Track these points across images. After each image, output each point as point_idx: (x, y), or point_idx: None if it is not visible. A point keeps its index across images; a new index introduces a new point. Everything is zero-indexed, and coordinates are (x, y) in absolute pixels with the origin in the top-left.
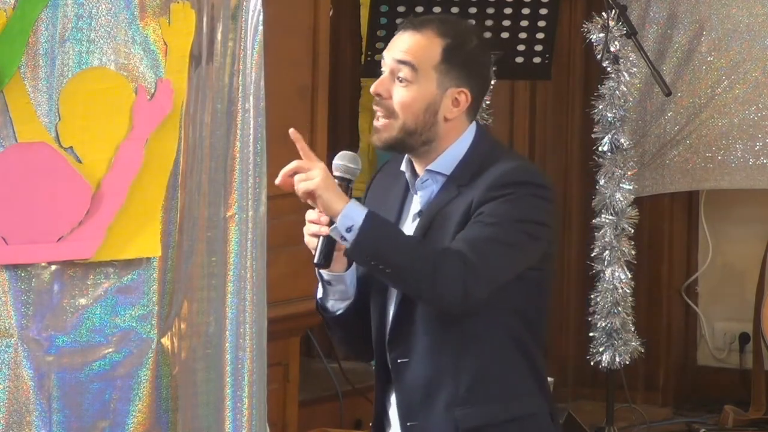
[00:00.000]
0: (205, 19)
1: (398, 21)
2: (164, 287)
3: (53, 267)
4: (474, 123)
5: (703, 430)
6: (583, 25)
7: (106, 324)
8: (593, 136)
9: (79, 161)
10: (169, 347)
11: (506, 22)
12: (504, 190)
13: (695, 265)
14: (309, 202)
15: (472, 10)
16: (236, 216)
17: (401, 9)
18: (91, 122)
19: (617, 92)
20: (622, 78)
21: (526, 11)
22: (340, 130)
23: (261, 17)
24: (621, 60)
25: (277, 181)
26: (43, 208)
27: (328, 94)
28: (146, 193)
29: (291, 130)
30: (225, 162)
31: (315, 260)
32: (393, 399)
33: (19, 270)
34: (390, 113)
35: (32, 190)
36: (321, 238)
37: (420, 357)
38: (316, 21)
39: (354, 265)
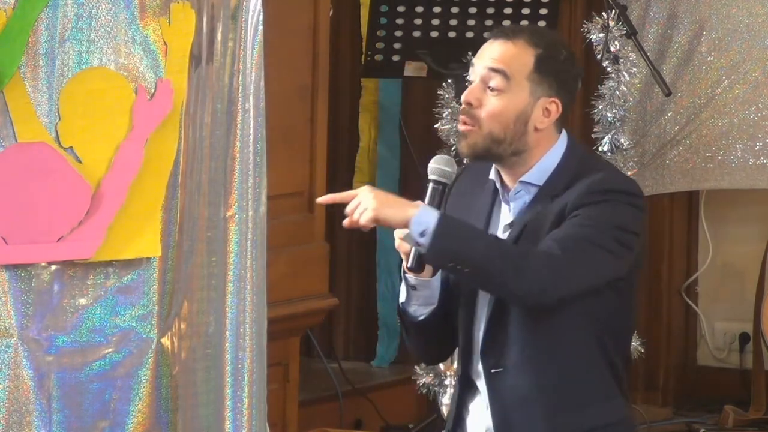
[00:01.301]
0: (205, 19)
1: (398, 21)
2: (164, 287)
3: (53, 267)
4: (564, 133)
5: (703, 430)
6: (583, 25)
7: (106, 324)
8: (593, 136)
9: (79, 161)
10: (169, 347)
11: (506, 23)
12: (602, 195)
13: (695, 265)
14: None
15: (472, 10)
16: (236, 216)
17: (401, 9)
18: (91, 122)
19: (617, 92)
20: (622, 78)
21: (526, 11)
22: (340, 130)
23: (261, 17)
24: (621, 60)
25: (345, 223)
26: (43, 208)
27: (328, 94)
28: (146, 193)
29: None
30: (225, 162)
31: (408, 265)
32: (473, 407)
33: (19, 270)
34: (475, 122)
35: (32, 190)
36: None
37: (515, 366)
38: (316, 21)
39: (440, 271)
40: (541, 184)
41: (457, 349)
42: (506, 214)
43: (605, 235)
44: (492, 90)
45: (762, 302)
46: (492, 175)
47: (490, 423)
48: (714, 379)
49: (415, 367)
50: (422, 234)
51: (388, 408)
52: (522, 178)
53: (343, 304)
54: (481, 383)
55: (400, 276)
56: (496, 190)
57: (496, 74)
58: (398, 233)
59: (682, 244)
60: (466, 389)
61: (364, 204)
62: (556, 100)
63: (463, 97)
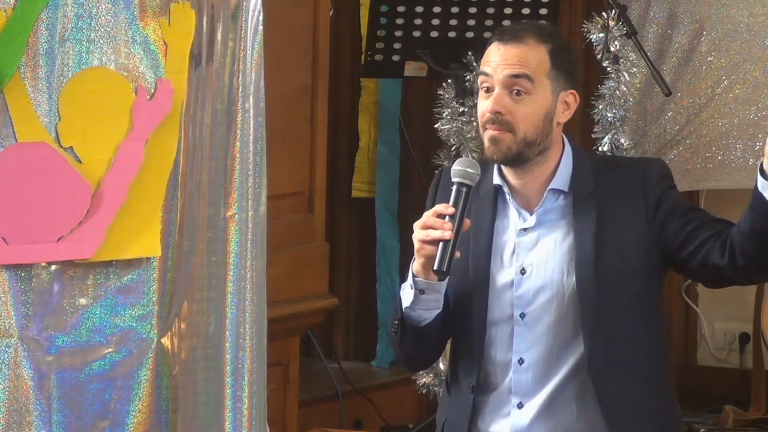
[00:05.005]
0: (205, 19)
1: (398, 21)
2: (164, 287)
3: (53, 267)
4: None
5: (703, 430)
6: (583, 25)
7: (106, 324)
8: (593, 136)
9: (79, 161)
10: (169, 347)
11: (506, 22)
12: (666, 180)
13: None
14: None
15: (472, 10)
16: (236, 216)
17: (401, 9)
18: (91, 122)
19: (617, 92)
20: (622, 78)
21: (526, 11)
22: (340, 130)
23: (261, 17)
24: (621, 60)
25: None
26: (43, 208)
27: (328, 94)
28: (146, 193)
29: None
30: (225, 162)
31: (436, 267)
32: (490, 412)
33: (19, 270)
34: (509, 128)
35: (32, 190)
36: (442, 243)
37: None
38: (316, 21)
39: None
40: (567, 189)
41: (455, 361)
42: (516, 219)
43: None
44: (518, 95)
45: (762, 302)
46: (496, 180)
47: (522, 421)
48: (714, 379)
49: None
50: None
51: (388, 408)
52: (551, 186)
53: (343, 304)
54: (523, 386)
55: (401, 280)
56: (496, 194)
57: (521, 79)
58: (425, 235)
59: None
60: (482, 394)
61: None
62: (573, 92)
63: (488, 107)
